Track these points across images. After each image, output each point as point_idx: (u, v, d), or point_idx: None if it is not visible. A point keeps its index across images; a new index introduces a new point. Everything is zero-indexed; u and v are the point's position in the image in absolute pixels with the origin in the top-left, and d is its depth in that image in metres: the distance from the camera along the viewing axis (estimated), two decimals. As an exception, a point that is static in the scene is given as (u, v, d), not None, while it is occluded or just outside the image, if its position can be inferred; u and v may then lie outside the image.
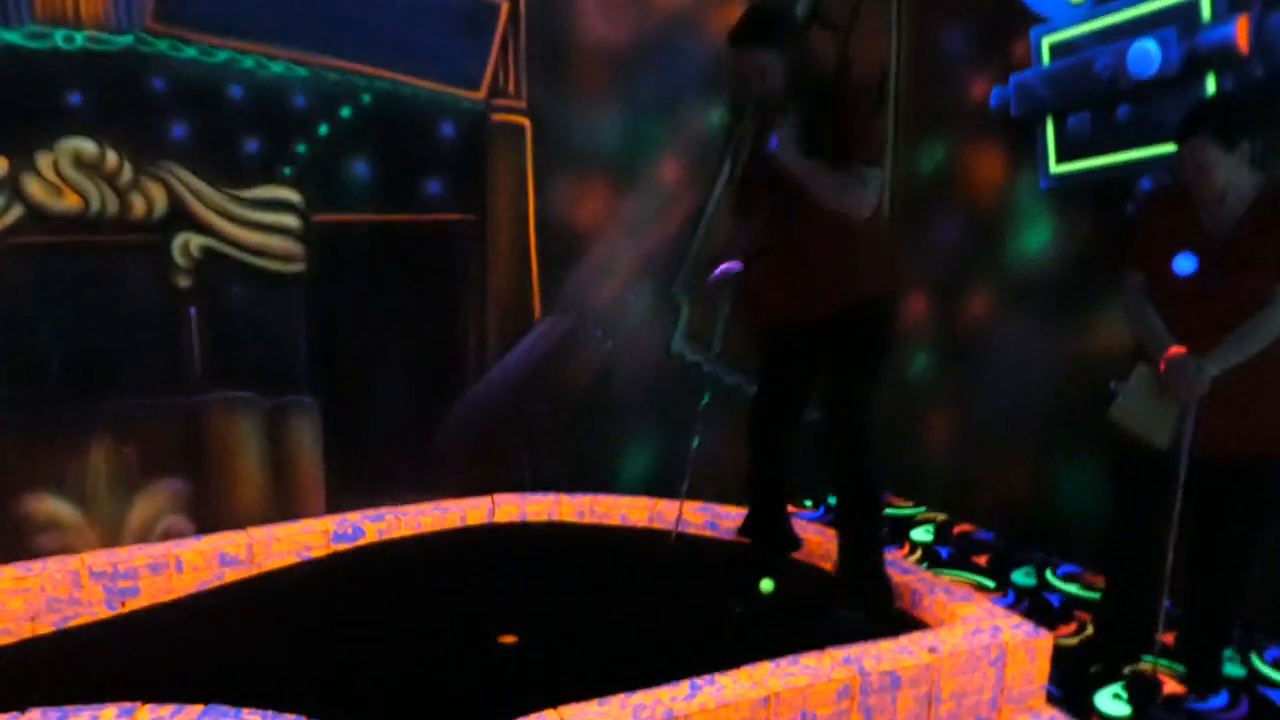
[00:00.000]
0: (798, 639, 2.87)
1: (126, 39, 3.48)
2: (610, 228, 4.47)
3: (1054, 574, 4.32)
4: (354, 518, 3.86)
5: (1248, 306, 2.99)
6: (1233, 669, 3.46)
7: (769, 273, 3.22)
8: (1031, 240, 4.51)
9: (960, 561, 4.46)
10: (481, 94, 4.12)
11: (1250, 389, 3.00)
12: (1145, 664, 3.38)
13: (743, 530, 3.68)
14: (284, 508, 3.94)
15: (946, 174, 4.97)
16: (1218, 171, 2.94)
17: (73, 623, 3.23)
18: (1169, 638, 3.46)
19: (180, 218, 3.66)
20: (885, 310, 3.21)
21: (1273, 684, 3.40)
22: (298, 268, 3.88)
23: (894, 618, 3.22)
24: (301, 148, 3.82)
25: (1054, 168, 4.25)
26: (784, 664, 2.71)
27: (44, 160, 3.43)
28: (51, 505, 3.57)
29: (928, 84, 5.03)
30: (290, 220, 3.85)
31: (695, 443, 3.66)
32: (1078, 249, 4.28)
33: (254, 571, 3.58)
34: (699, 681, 2.60)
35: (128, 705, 2.45)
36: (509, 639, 3.07)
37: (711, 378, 4.76)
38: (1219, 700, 3.28)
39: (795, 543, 3.68)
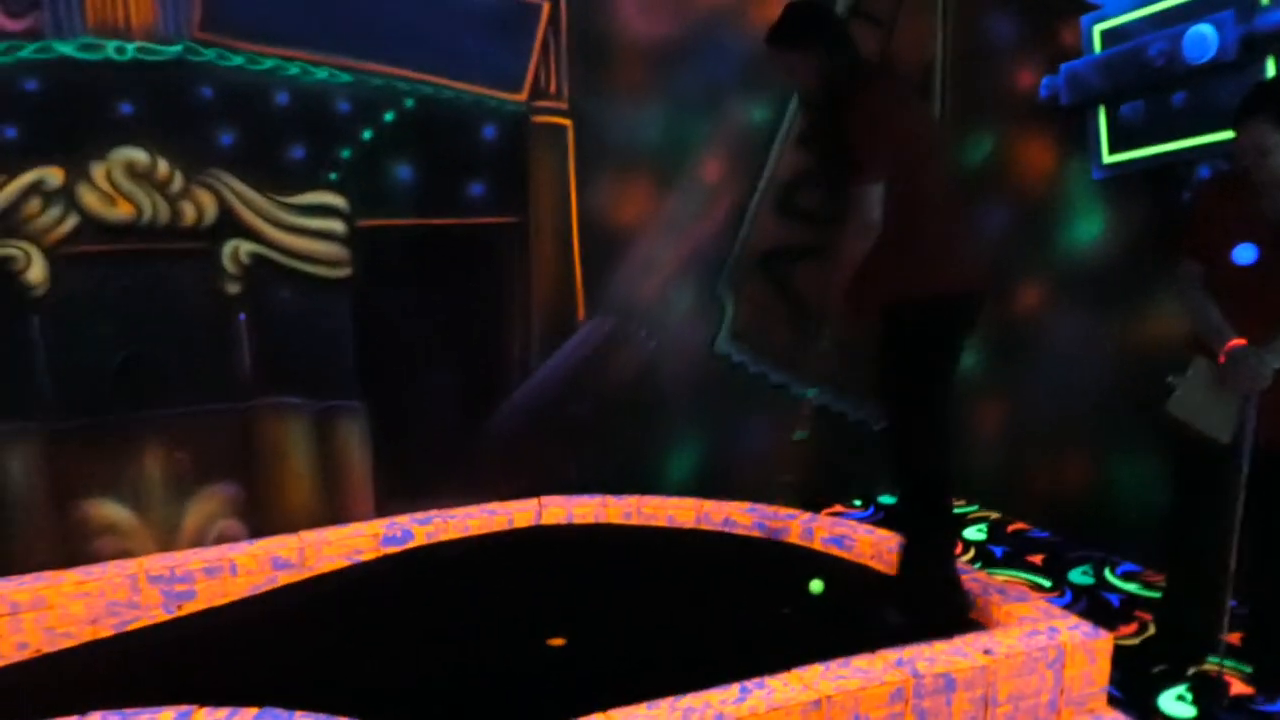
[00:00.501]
0: (849, 641, 2.84)
1: (176, 49, 3.53)
2: (652, 226, 4.45)
3: (1113, 572, 4.23)
4: (403, 521, 3.89)
5: None
6: (1301, 669, 3.36)
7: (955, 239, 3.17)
8: (1084, 231, 4.42)
9: (1015, 560, 4.39)
10: (523, 96, 4.13)
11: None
12: (1211, 664, 3.30)
13: None
14: (334, 511, 3.98)
15: (995, 165, 4.89)
16: (1278, 155, 2.86)
17: (131, 626, 3.29)
18: (1235, 637, 3.38)
19: (229, 225, 3.70)
20: (930, 306, 3.10)
21: (1344, 685, 3.29)
22: (344, 273, 3.91)
23: (947, 625, 3.10)
24: (346, 153, 3.85)
25: (1107, 157, 4.16)
26: (835, 666, 2.67)
27: (98, 170, 3.49)
28: (108, 510, 3.63)
29: (975, 74, 4.95)
30: (336, 225, 3.88)
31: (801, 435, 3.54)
32: (1132, 239, 4.19)
33: (306, 574, 3.62)
34: (749, 685, 2.57)
35: (185, 708, 2.47)
36: (557, 641, 3.07)
37: (760, 378, 4.75)
38: (1287, 702, 3.19)
39: None
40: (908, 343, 3.12)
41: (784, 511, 3.98)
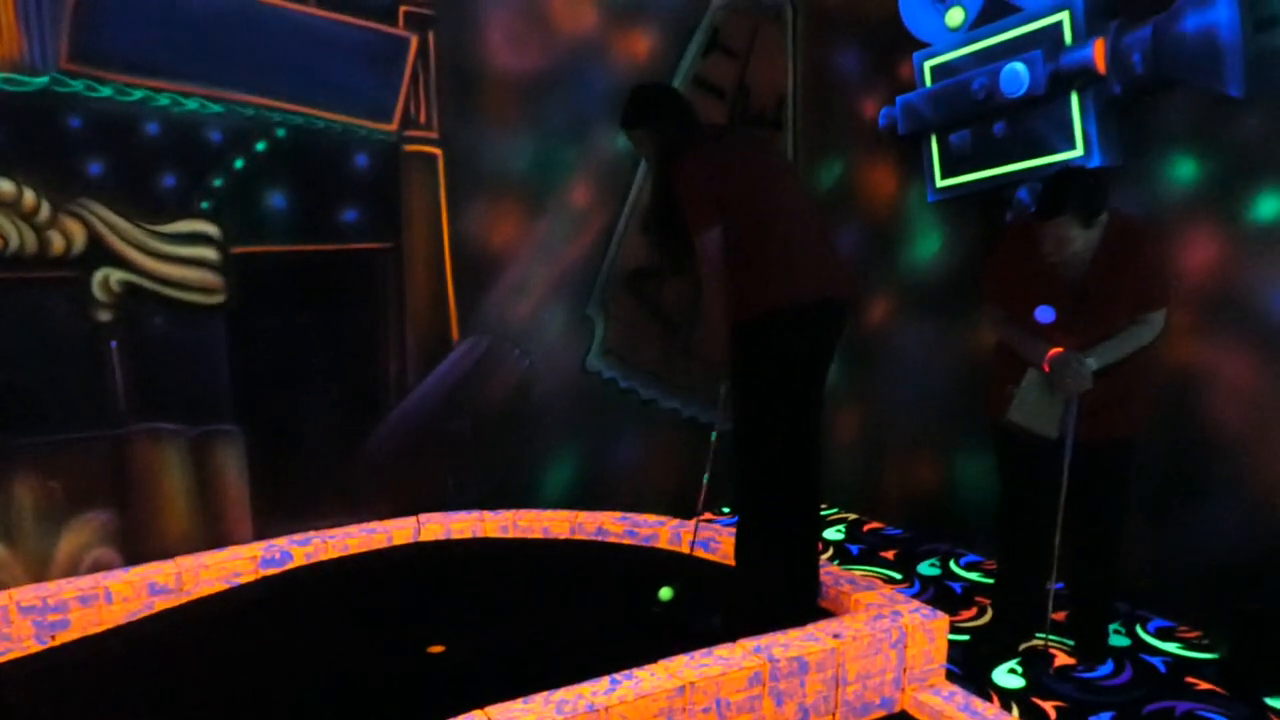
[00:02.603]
0: (713, 635, 3.05)
1: (42, 80, 3.55)
2: (524, 249, 4.62)
3: (957, 564, 4.57)
4: (281, 543, 3.94)
5: (1112, 334, 3.26)
6: (1118, 640, 3.73)
7: (812, 250, 3.43)
8: (924, 249, 4.79)
9: (870, 557, 4.69)
10: (394, 126, 4.25)
11: (1107, 381, 3.27)
12: (1038, 640, 3.64)
13: None
14: (211, 536, 3.99)
15: (845, 188, 5.23)
16: (1077, 244, 3.18)
17: (2, 659, 3.26)
18: (1060, 615, 3.73)
19: (99, 253, 3.71)
20: (767, 322, 3.31)
21: (1154, 652, 3.68)
22: (218, 299, 3.95)
23: (799, 615, 3.31)
24: (218, 181, 3.91)
25: (939, 181, 4.53)
26: (698, 656, 2.88)
27: (-39, 201, 3.47)
28: (-25, 543, 3.59)
29: (825, 104, 5.30)
30: (209, 253, 3.93)
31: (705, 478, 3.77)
32: (965, 255, 4.56)
33: (184, 599, 3.64)
34: (618, 676, 2.76)
35: (65, 729, 2.51)
36: (437, 649, 3.19)
37: (630, 393, 4.95)
38: (1105, 669, 3.54)
39: None
40: (752, 359, 3.36)
41: (652, 519, 4.18)
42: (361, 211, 4.22)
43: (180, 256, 3.86)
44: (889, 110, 4.71)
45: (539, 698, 2.65)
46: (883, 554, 4.73)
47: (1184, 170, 3.67)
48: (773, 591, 3.45)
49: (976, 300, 4.24)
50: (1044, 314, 3.25)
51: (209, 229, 3.91)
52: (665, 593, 3.59)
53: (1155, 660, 3.61)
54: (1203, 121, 3.59)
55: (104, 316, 3.74)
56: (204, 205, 3.89)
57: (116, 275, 3.76)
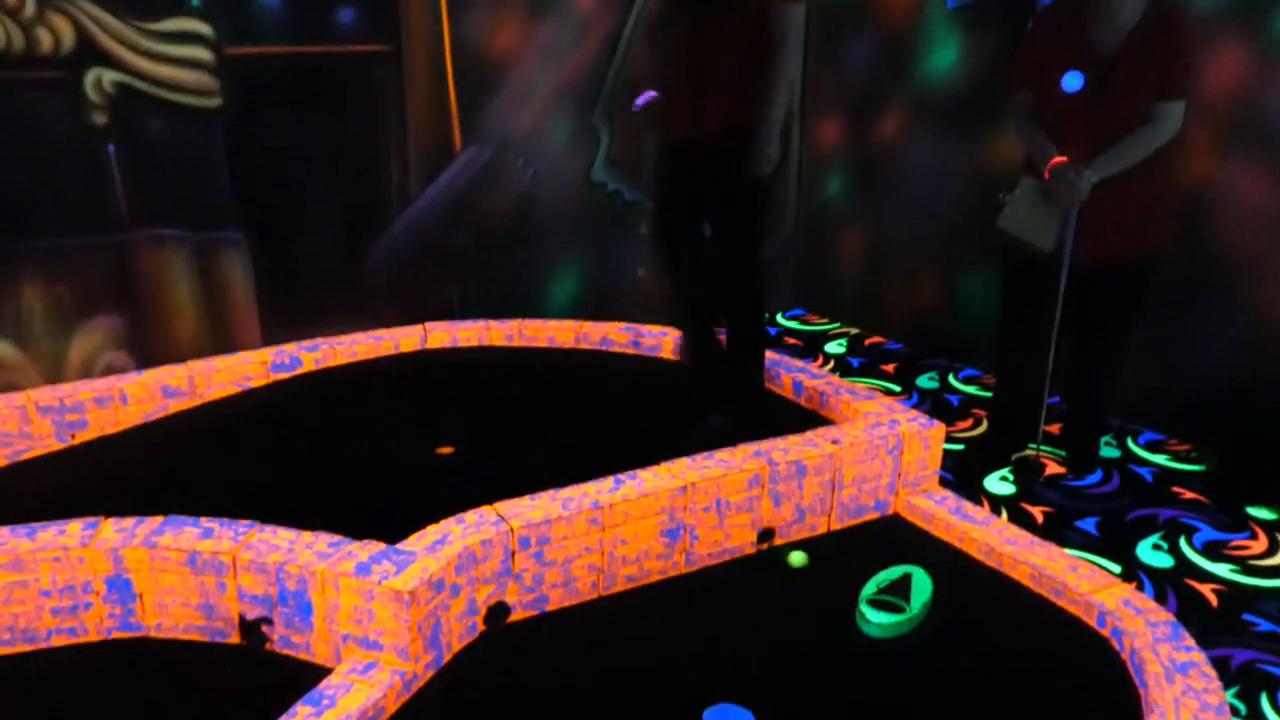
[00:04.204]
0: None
1: None
2: (528, 55, 4.48)
3: (955, 377, 4.65)
4: (290, 348, 3.99)
5: (1130, 125, 3.19)
6: (1109, 452, 3.84)
7: (673, 94, 3.30)
8: (940, 59, 4.63)
9: (870, 370, 4.77)
10: (391, -82, 4.04)
11: (1122, 199, 3.24)
12: (1030, 450, 3.74)
13: (681, 355, 3.79)
14: (221, 342, 4.04)
15: (860, -5, 5.03)
16: (1124, 13, 3.08)
17: (25, 455, 3.36)
18: (1054, 428, 3.82)
19: (90, 52, 3.60)
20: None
21: (1142, 462, 3.79)
22: (214, 102, 3.86)
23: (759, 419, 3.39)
24: (208, -23, 3.75)
25: (961, -15, 4.35)
26: (700, 459, 2.97)
27: (-60, -5, 3.34)
28: (-10, 346, 3.64)
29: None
30: (202, 53, 3.81)
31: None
32: (982, 68, 4.42)
33: (197, 402, 3.72)
34: (622, 476, 2.85)
35: (92, 519, 2.62)
36: (445, 450, 3.29)
37: (634, 205, 4.90)
38: (1094, 477, 3.66)
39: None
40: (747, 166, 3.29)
41: (657, 329, 4.22)
42: (358, 12, 4.06)
43: (173, 56, 3.74)
44: (911, -94, 4.47)
45: (545, 495, 2.74)
46: (883, 367, 4.80)
47: (1217, -26, 3.51)
48: (755, 387, 3.56)
49: (996, 107, 4.15)
50: (1072, 80, 3.19)
51: (201, 28, 3.77)
52: (797, 557, 2.98)
53: (1143, 471, 3.72)
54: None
55: (99, 119, 3.66)
56: (194, 3, 3.74)
57: (109, 76, 3.65)
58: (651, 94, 3.54)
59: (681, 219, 3.45)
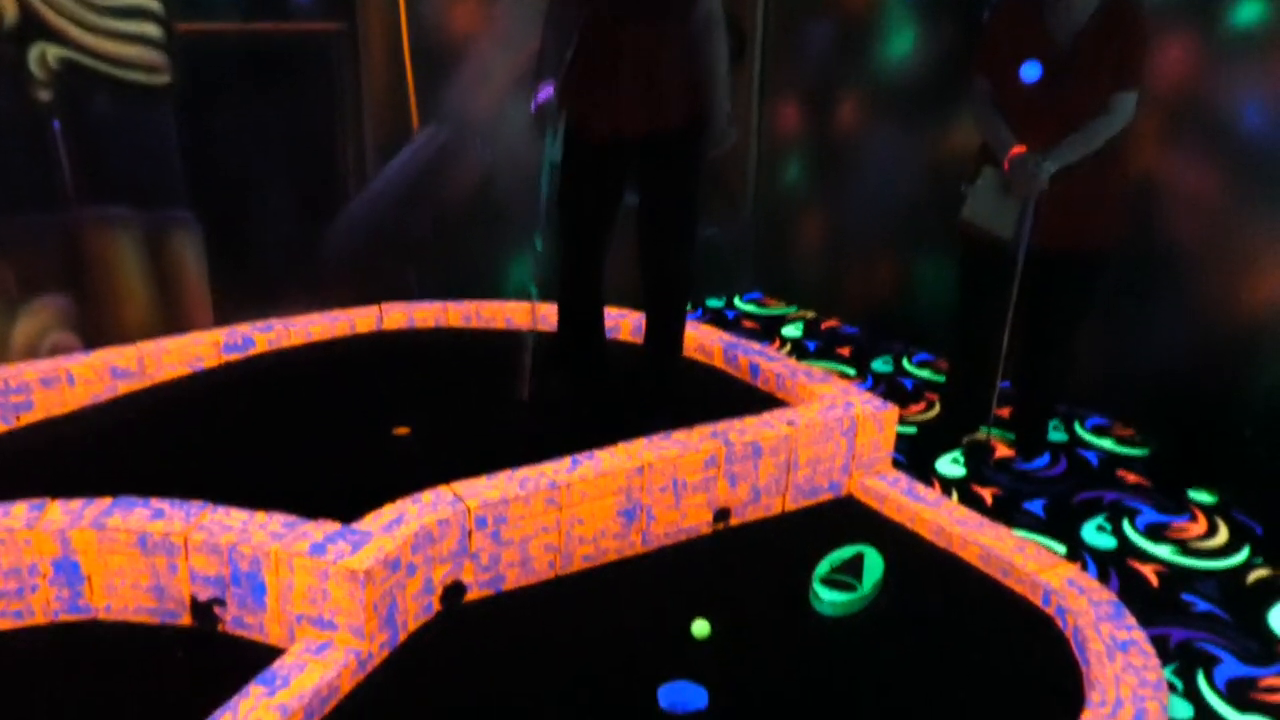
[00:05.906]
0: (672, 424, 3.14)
1: None
2: (486, 37, 4.44)
3: (909, 361, 4.70)
4: (243, 329, 3.92)
5: (1088, 114, 3.24)
6: (1057, 435, 3.91)
7: (614, 92, 3.14)
8: (897, 46, 4.67)
9: (826, 353, 4.81)
10: (345, -109, 3.99)
11: (1079, 188, 3.30)
12: (981, 433, 3.80)
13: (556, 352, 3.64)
14: (172, 323, 3.98)
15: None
16: (1077, 4, 3.13)
17: (-34, 438, 3.29)
18: (1004, 412, 3.89)
19: (34, 27, 3.52)
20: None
21: (1089, 446, 3.86)
22: (163, 79, 3.79)
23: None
24: (157, -49, 3.68)
25: (918, -28, 4.38)
26: (657, 439, 2.98)
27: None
28: (-70, 325, 3.56)
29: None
30: (151, 29, 3.74)
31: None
32: (939, 54, 4.47)
33: (147, 383, 3.65)
34: (579, 457, 2.85)
35: (38, 500, 2.57)
36: (402, 430, 3.27)
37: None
38: (1041, 461, 3.73)
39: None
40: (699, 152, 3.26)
41: (614, 311, 4.21)
42: (312, -12, 4.02)
43: (120, 32, 3.67)
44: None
45: (502, 475, 2.74)
46: (839, 350, 4.85)
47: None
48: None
49: (953, 94, 4.19)
50: (1030, 70, 3.24)
51: (150, 3, 3.71)
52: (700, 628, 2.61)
53: (1089, 455, 3.80)
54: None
55: (44, 95, 3.59)
56: (143, -24, 3.68)
57: (53, 51, 3.57)
58: (549, 89, 3.22)
59: (606, 218, 3.37)
